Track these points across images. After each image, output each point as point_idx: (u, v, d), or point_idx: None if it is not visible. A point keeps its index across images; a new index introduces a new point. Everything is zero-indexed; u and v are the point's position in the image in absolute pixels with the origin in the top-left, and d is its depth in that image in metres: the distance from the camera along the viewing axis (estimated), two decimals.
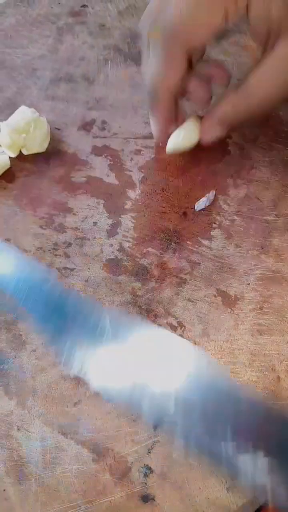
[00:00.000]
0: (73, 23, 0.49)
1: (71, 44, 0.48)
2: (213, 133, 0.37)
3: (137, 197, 0.38)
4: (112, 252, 0.35)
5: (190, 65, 0.35)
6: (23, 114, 0.39)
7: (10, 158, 0.39)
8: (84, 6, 0.51)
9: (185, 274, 0.34)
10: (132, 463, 0.28)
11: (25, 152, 0.39)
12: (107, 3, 0.51)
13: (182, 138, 0.38)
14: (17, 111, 0.39)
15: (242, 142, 0.40)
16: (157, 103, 0.37)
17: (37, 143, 0.39)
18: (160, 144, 0.39)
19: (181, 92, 0.36)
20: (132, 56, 0.46)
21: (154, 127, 0.39)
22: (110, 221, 0.37)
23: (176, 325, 0.32)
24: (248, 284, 0.34)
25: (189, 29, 0.33)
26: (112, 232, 0.36)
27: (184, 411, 0.26)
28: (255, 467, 0.24)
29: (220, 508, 0.27)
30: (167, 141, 0.38)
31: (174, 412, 0.26)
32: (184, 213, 0.37)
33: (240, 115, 0.35)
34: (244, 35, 0.47)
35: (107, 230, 0.36)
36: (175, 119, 0.38)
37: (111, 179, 0.39)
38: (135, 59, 0.46)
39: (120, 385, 0.28)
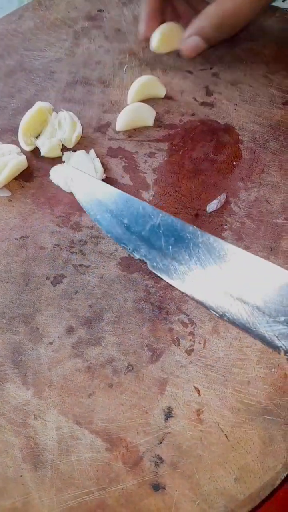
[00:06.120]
0: (90, 27, 0.51)
1: (88, 48, 0.49)
2: (192, 42, 0.44)
3: (151, 198, 0.39)
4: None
5: None
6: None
7: (27, 158, 0.40)
8: (100, 10, 0.52)
9: None
10: (143, 452, 0.29)
11: (42, 153, 0.41)
12: (123, 8, 0.52)
13: (161, 35, 0.45)
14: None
15: (253, 146, 0.42)
16: (145, 1, 0.46)
17: (72, 143, 0.42)
18: (144, 41, 0.47)
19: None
20: (146, 60, 0.48)
21: (140, 24, 0.47)
22: None
23: (187, 322, 0.33)
24: None
25: None
26: None
27: None
28: None
29: (228, 497, 0.28)
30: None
31: None
32: (196, 214, 0.38)
33: (215, 27, 0.43)
34: (257, 42, 0.48)
35: None
36: (160, 19, 0.46)
37: (126, 180, 0.40)
38: (150, 63, 0.47)
39: None
